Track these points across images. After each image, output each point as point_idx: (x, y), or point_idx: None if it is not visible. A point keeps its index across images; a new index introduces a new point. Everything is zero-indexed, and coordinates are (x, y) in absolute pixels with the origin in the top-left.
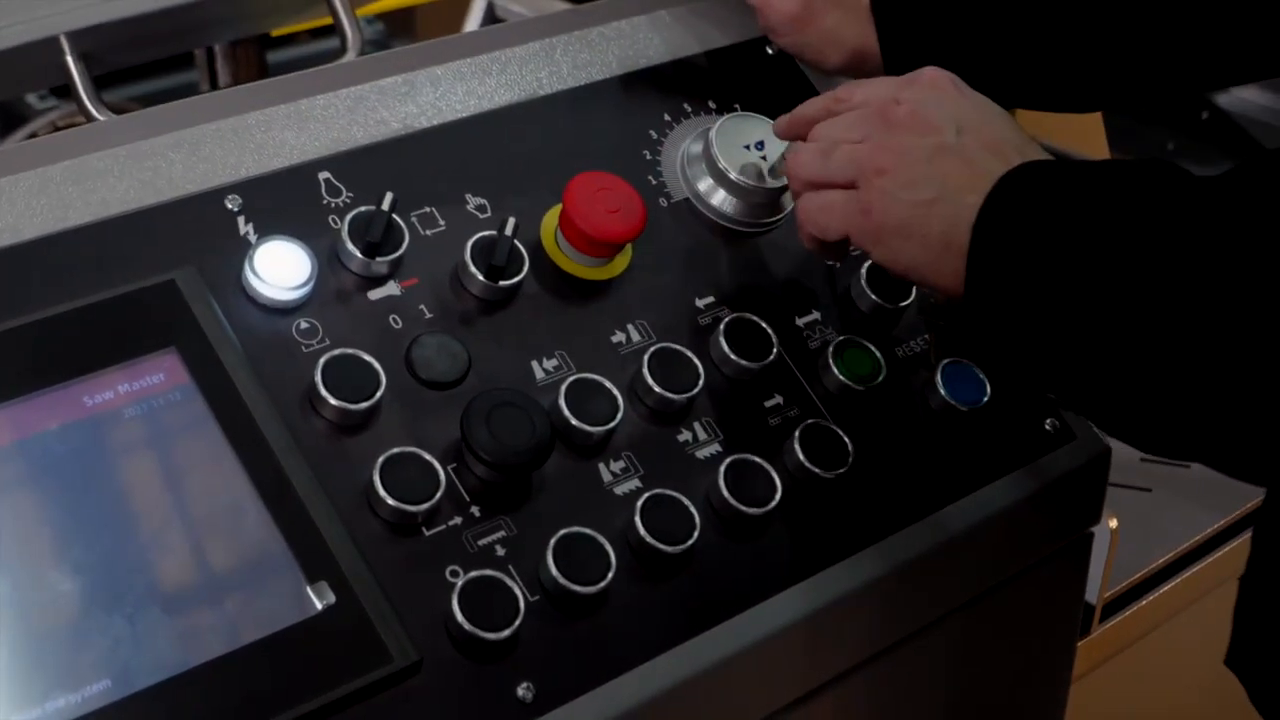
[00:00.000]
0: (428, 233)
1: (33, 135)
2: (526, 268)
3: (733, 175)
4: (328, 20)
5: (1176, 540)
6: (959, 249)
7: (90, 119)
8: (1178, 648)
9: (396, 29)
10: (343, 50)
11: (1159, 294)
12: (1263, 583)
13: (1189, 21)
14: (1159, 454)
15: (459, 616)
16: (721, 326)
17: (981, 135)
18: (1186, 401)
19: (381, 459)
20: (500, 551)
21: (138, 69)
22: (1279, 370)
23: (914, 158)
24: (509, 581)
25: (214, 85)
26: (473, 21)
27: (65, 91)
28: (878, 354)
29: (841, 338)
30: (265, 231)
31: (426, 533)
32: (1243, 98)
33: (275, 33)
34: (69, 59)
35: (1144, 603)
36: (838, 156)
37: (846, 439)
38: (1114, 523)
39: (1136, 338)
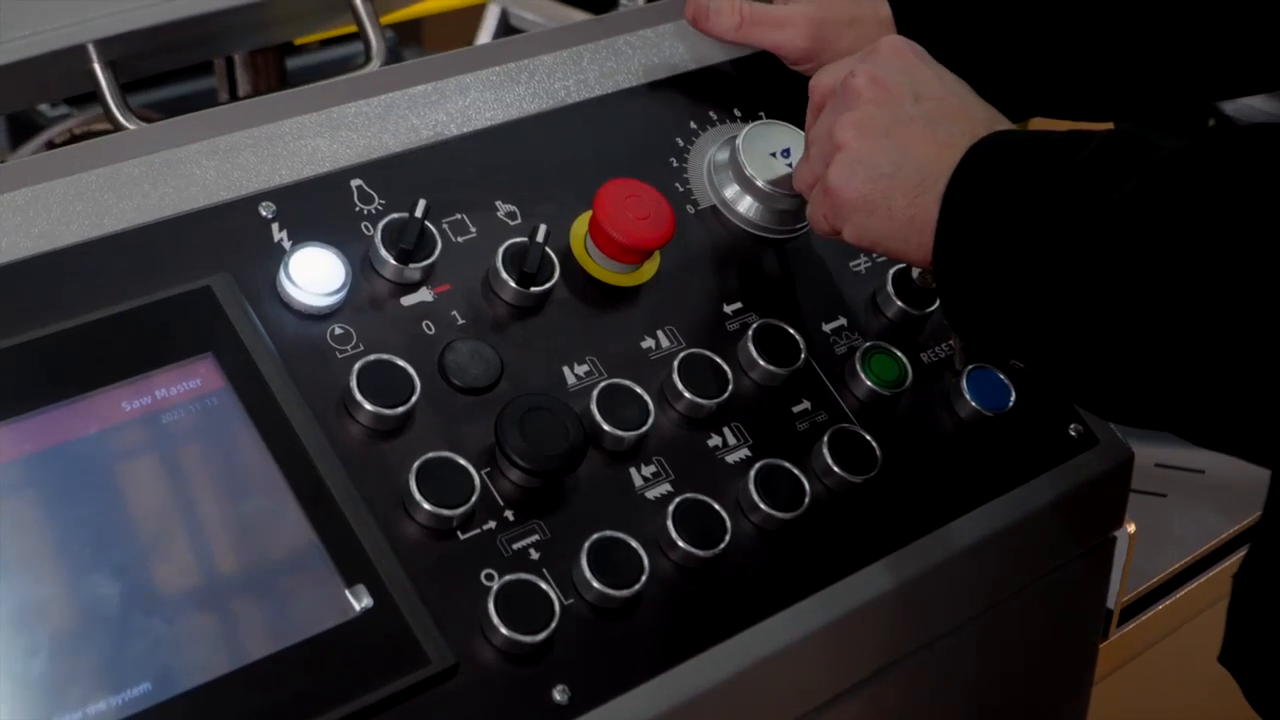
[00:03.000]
0: (459, 239)
1: (50, 143)
2: (557, 274)
3: (759, 182)
4: (348, 29)
5: (1192, 545)
6: (925, 224)
7: (118, 126)
8: (1194, 652)
9: (406, 38)
10: (368, 59)
11: (1127, 266)
12: (1258, 580)
13: (1201, 32)
14: (1127, 423)
15: (495, 619)
16: (750, 332)
17: (942, 102)
18: (1157, 370)
19: (417, 463)
20: (535, 555)
21: (155, 76)
22: (1245, 342)
23: (872, 129)
24: (544, 585)
25: (233, 92)
26: (486, 32)
27: (79, 99)
28: (904, 360)
29: (869, 343)
30: (299, 238)
31: (462, 536)
32: (1250, 105)
33: (297, 41)
34: (96, 66)
35: (1161, 607)
36: (813, 151)
37: (874, 444)
38: (1131, 528)
39: (1106, 310)
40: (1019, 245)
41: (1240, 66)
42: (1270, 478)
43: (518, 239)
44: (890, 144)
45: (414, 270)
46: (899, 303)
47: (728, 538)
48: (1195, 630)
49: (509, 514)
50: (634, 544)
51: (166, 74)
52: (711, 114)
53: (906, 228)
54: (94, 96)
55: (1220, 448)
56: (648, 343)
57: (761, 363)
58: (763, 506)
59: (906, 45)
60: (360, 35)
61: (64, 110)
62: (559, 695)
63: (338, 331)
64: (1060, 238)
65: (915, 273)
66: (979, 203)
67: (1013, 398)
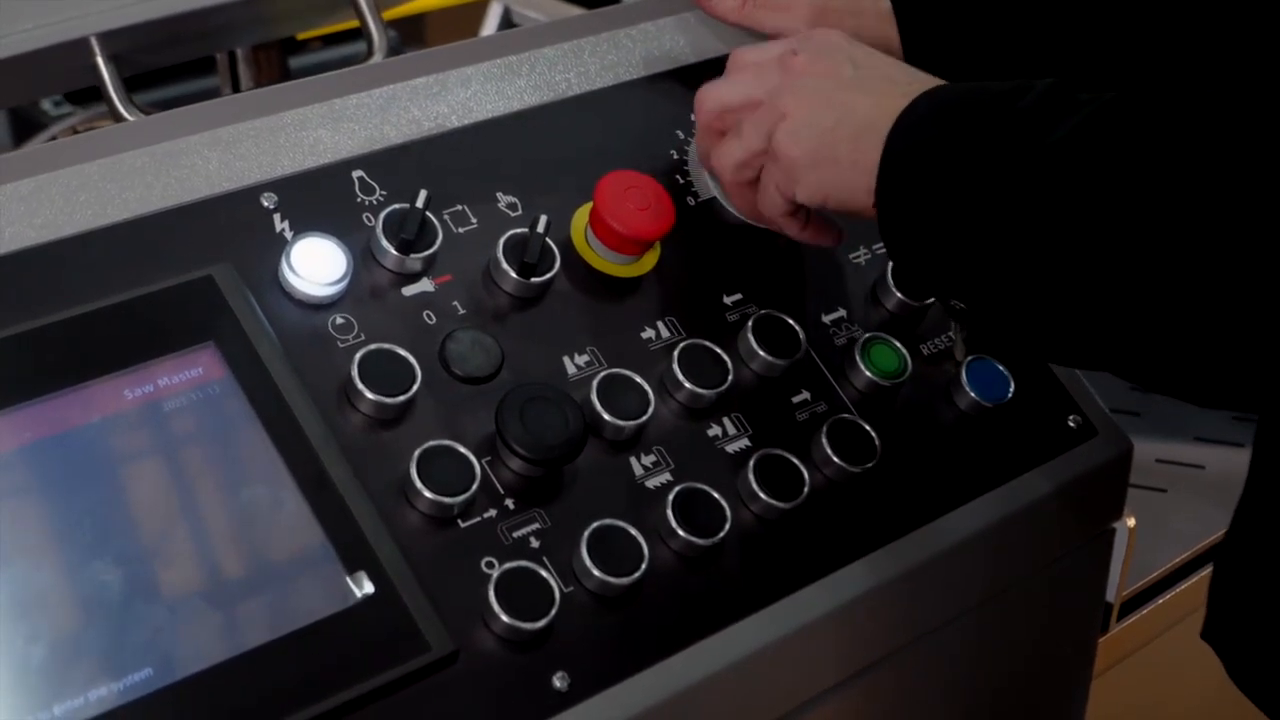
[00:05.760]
0: (460, 230)
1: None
2: (558, 265)
3: None
4: (349, 25)
5: (1192, 540)
6: (868, 168)
7: (120, 121)
8: (1194, 647)
9: (408, 37)
10: (369, 53)
11: (1063, 205)
12: (1238, 558)
13: (1207, 29)
14: (1065, 363)
15: (495, 607)
16: (750, 323)
17: (877, 70)
18: (1091, 308)
19: (418, 452)
20: (535, 543)
21: (158, 74)
22: (1175, 279)
23: (814, 96)
24: (543, 573)
25: (236, 90)
26: (488, 30)
27: (82, 97)
28: (904, 351)
29: (868, 335)
30: (301, 228)
31: (462, 525)
32: None
33: (300, 36)
34: (99, 60)
35: (1161, 601)
36: (746, 128)
37: (873, 434)
38: (1132, 522)
39: (1041, 249)
40: (958, 186)
41: (1243, 62)
42: (1250, 458)
43: (518, 230)
44: (832, 103)
45: (415, 261)
46: (899, 294)
47: (727, 527)
48: (1195, 625)
49: (509, 502)
50: (634, 533)
51: (170, 72)
52: None
53: (852, 172)
54: (97, 94)
55: (1156, 387)
56: (648, 333)
57: (761, 353)
58: (762, 496)
59: (836, 33)
60: (362, 29)
61: (67, 109)
62: (559, 682)
63: (339, 321)
64: (997, 178)
65: None
66: (920, 146)
67: (1012, 389)
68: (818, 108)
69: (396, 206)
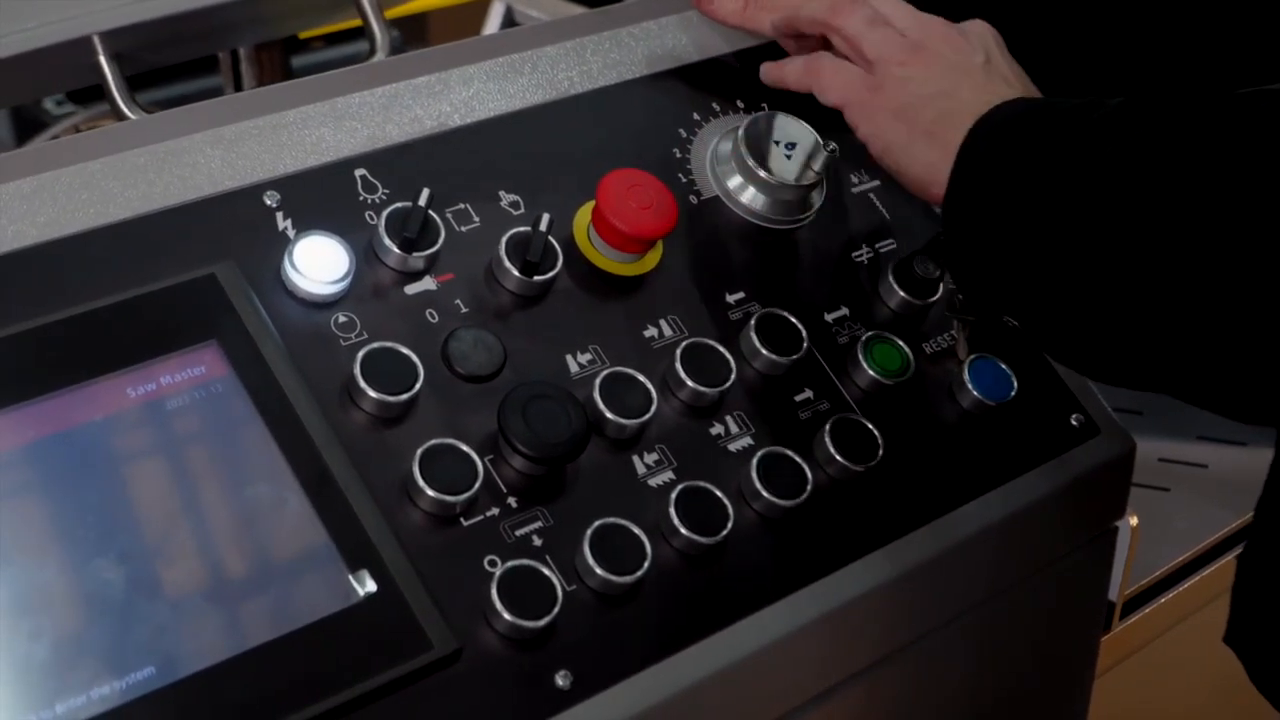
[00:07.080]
0: (463, 229)
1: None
2: (560, 263)
3: (762, 173)
4: (352, 24)
5: (1195, 539)
6: (940, 141)
7: (123, 120)
8: (1197, 646)
9: (411, 36)
10: (372, 52)
11: (1133, 224)
12: (1262, 561)
13: (1233, 20)
14: (1115, 383)
15: (498, 605)
16: (752, 321)
17: (1004, 70)
18: (1153, 327)
19: (420, 450)
20: (537, 542)
21: (160, 73)
22: (1237, 303)
23: (937, 65)
24: (546, 571)
25: (238, 89)
26: (491, 28)
27: (84, 96)
28: (907, 349)
29: (871, 333)
30: (303, 227)
31: (465, 523)
32: None
33: (302, 35)
34: (101, 59)
35: (1164, 600)
36: (880, 33)
37: (876, 433)
38: (1134, 520)
39: (1107, 266)
40: (1030, 196)
41: (1257, 54)
42: (1272, 458)
43: (521, 228)
44: (945, 75)
45: (417, 259)
46: (901, 293)
47: (729, 525)
48: (1198, 624)
49: (512, 501)
50: (636, 531)
51: (172, 72)
52: (715, 105)
53: (921, 138)
54: (100, 93)
55: (1226, 412)
56: (650, 331)
57: (764, 352)
58: (765, 494)
59: (991, 29)
60: (364, 28)
61: (70, 108)
62: (561, 680)
63: (341, 319)
64: (1074, 189)
65: (917, 262)
66: (991, 155)
67: (1015, 387)
68: (932, 72)
69: (399, 205)
